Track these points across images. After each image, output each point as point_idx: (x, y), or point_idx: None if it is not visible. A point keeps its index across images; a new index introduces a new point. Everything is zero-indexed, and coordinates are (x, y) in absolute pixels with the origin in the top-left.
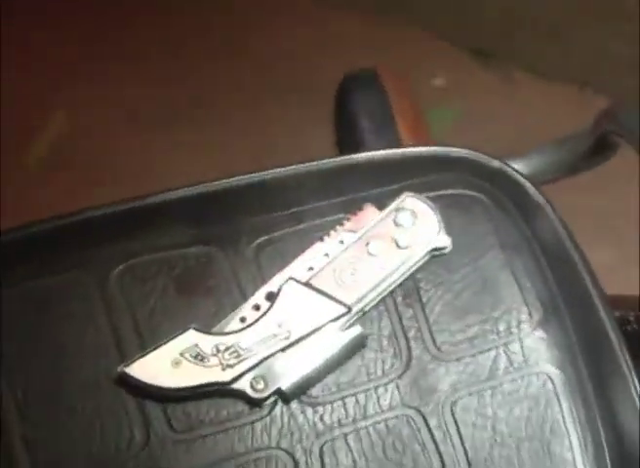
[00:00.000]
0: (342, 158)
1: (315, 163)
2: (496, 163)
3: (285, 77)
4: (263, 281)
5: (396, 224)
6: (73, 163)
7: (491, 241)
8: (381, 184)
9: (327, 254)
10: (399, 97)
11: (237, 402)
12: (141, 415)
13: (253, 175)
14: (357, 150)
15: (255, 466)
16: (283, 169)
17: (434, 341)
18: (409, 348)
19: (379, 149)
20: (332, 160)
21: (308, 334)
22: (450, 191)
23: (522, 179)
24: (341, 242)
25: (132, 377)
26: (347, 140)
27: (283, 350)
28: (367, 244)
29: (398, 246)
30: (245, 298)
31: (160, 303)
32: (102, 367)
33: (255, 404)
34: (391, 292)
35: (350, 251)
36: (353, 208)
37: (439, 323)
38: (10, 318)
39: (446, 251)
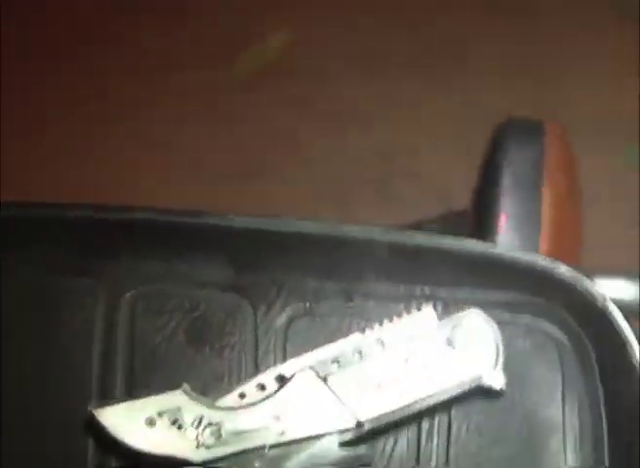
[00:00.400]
0: (431, 239)
1: (399, 234)
2: (600, 301)
3: None
4: (284, 357)
5: (448, 343)
6: (281, 78)
7: (554, 395)
8: (456, 284)
9: (360, 353)
10: (557, 168)
11: None
12: (99, 465)
13: (322, 225)
14: (487, 208)
15: None
16: (357, 228)
17: None
18: None
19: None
20: (418, 237)
21: (304, 439)
22: (529, 319)
23: (626, 334)
24: (382, 343)
25: (98, 423)
26: (483, 190)
27: (271, 447)
28: (408, 355)
29: (442, 369)
30: (257, 370)
31: (165, 345)
32: (79, 394)
33: None
34: (419, 415)
35: (387, 357)
36: (414, 302)
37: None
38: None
39: (496, 392)
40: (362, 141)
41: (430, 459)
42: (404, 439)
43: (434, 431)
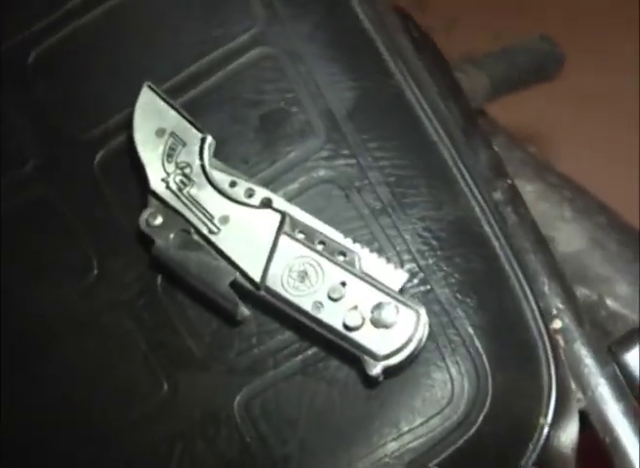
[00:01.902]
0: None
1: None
2: None
3: None
4: (292, 196)
5: (373, 309)
6: None
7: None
8: (456, 304)
9: (324, 244)
10: None
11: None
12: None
13: None
14: None
15: None
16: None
17: None
18: None
19: None
20: None
21: (217, 249)
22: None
23: None
24: (343, 254)
25: (141, 94)
26: None
27: (195, 232)
28: (341, 283)
29: (345, 323)
30: (266, 182)
31: (244, 103)
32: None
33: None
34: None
35: (332, 269)
36: (412, 265)
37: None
38: None
39: (371, 375)
40: None
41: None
42: (278, 336)
43: (301, 347)
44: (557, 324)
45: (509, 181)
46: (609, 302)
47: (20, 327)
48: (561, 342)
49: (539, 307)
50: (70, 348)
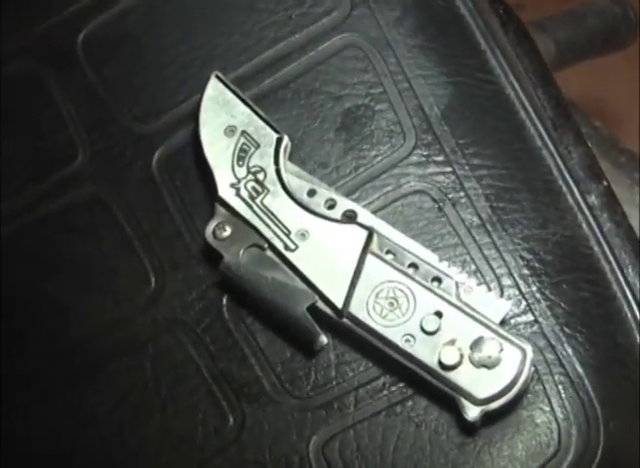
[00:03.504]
0: None
1: None
2: None
3: None
4: (377, 208)
5: (473, 345)
6: None
7: None
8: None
9: (416, 267)
10: None
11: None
12: None
13: None
14: None
15: None
16: None
17: None
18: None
19: None
20: None
21: (295, 270)
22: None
23: None
24: (438, 280)
25: (208, 84)
26: None
27: (269, 247)
28: (436, 313)
29: (441, 360)
30: (349, 191)
31: (327, 100)
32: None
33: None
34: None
35: (426, 297)
36: (515, 291)
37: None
38: None
39: (467, 419)
40: None
41: (346, 403)
42: (361, 369)
43: (386, 383)
44: None
45: (605, 183)
46: None
47: (65, 342)
48: None
49: None
50: (123, 371)
